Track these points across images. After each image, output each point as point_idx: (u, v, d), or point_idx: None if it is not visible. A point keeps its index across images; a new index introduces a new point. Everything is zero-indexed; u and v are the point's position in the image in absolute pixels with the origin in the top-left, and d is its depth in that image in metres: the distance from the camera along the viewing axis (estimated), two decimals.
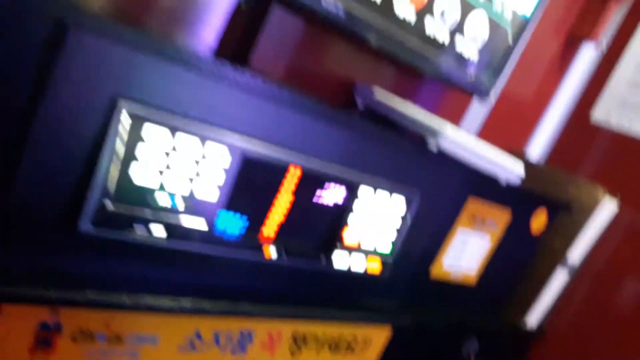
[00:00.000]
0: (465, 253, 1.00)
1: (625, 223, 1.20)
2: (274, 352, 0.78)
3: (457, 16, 0.96)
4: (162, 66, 0.56)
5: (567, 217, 1.15)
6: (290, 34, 0.93)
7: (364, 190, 0.77)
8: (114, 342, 0.63)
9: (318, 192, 0.74)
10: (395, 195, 0.81)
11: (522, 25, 1.06)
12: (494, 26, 1.02)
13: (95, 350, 0.61)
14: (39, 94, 0.51)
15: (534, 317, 1.22)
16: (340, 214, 0.77)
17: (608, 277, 1.22)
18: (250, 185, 0.67)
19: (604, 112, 1.32)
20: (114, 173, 0.56)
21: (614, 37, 1.35)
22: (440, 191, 0.88)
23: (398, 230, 0.84)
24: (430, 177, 0.85)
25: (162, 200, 0.60)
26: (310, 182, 0.72)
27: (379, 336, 0.90)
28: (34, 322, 0.56)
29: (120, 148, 0.55)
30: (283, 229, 0.73)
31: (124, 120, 0.55)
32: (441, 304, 1.04)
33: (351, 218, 0.78)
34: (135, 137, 0.56)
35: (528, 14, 1.06)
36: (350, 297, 0.86)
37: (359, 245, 0.81)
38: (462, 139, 0.85)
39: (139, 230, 0.60)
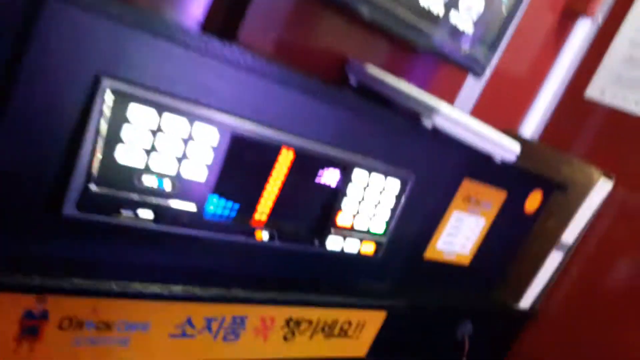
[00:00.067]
0: (460, 234, 0.99)
1: (619, 202, 1.20)
2: (267, 338, 0.77)
3: None
4: (148, 41, 0.53)
5: (562, 198, 1.14)
6: (280, 8, 0.90)
7: (358, 173, 0.76)
8: (103, 330, 0.61)
9: (311, 174, 0.72)
10: (389, 178, 0.80)
11: None
12: None
13: (83, 337, 0.60)
14: (15, 71, 0.48)
15: (527, 298, 1.22)
16: (333, 196, 0.76)
17: (601, 258, 1.22)
18: (242, 167, 0.66)
19: (598, 89, 1.30)
20: (98, 154, 0.54)
21: (610, 13, 1.34)
22: (436, 173, 0.86)
23: (392, 212, 0.83)
24: (425, 158, 0.84)
25: (149, 182, 0.58)
26: (303, 164, 0.71)
27: (373, 320, 0.89)
28: (19, 311, 0.55)
29: (104, 128, 0.53)
30: (275, 212, 0.71)
31: (108, 99, 0.53)
32: (435, 285, 1.04)
33: (345, 200, 0.77)
34: (119, 116, 0.54)
35: None
36: (344, 280, 0.85)
37: (352, 226, 0.79)
38: (457, 116, 0.83)
39: (125, 213, 0.58)
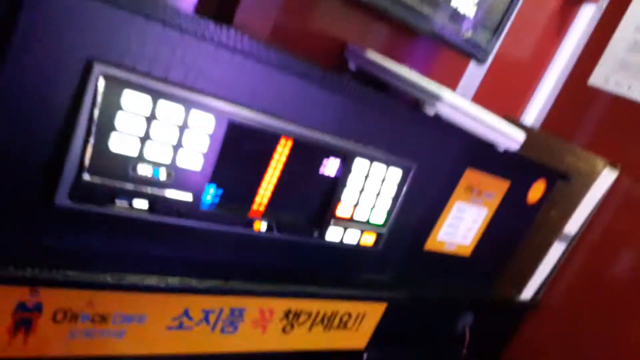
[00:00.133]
0: (461, 225, 0.98)
1: (623, 191, 1.18)
2: (266, 330, 0.77)
3: None
4: (142, 25, 0.51)
5: (565, 188, 1.13)
6: None
7: (358, 162, 0.74)
8: (99, 322, 0.61)
9: (310, 163, 0.71)
10: (391, 167, 0.78)
11: None
12: None
13: (78, 330, 0.60)
14: (1, 57, 0.46)
15: (529, 290, 1.21)
16: (333, 186, 0.74)
17: (604, 249, 1.20)
18: (239, 156, 0.64)
19: (602, 76, 1.28)
20: (91, 143, 0.53)
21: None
22: (438, 162, 0.85)
23: (393, 203, 0.81)
24: (427, 147, 0.82)
25: (144, 171, 0.57)
26: (302, 154, 0.69)
27: (373, 311, 0.88)
28: (12, 303, 0.54)
29: (96, 115, 0.52)
30: (274, 202, 0.70)
31: (100, 85, 0.51)
32: (436, 276, 1.02)
33: (345, 190, 0.75)
34: (112, 103, 0.52)
35: None
36: (344, 271, 0.84)
37: (352, 217, 0.78)
38: (461, 104, 0.82)
39: (119, 204, 0.57)
